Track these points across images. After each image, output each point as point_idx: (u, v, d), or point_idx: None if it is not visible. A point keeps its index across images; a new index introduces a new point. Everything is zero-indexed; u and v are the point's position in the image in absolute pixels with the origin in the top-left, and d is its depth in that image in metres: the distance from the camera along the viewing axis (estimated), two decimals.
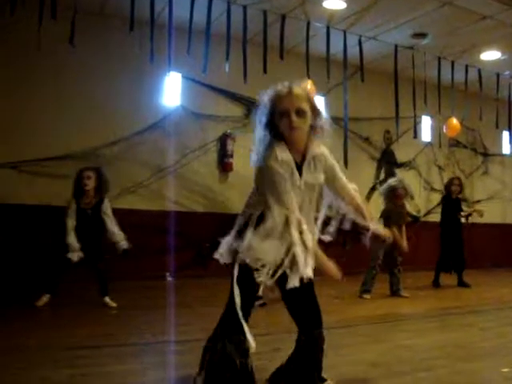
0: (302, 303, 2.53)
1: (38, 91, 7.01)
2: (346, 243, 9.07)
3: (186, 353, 3.42)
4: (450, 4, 7.11)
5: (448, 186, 8.08)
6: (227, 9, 6.88)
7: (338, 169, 2.65)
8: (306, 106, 2.39)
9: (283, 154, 2.38)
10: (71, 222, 5.33)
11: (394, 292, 6.63)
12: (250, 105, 8.14)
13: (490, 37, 8.18)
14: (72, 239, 5.28)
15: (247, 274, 2.36)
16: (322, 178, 2.53)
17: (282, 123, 2.36)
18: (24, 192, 6.78)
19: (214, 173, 8.27)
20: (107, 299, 5.42)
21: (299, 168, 2.44)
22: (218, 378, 2.35)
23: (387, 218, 6.55)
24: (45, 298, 5.25)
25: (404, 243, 6.61)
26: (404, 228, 6.72)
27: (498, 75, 9.55)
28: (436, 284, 7.77)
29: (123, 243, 5.44)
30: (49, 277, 5.33)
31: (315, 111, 2.45)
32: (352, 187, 2.72)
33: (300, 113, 2.36)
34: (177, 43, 6.62)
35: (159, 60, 6.63)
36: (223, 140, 8.22)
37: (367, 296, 6.46)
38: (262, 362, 2.94)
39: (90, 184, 5.36)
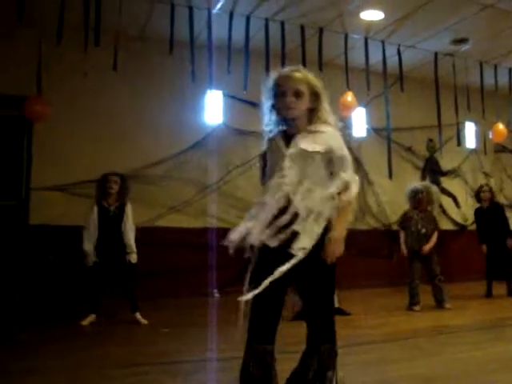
0: (310, 307, 2.45)
1: (84, 115, 7.21)
2: (392, 255, 8.96)
3: (237, 370, 3.41)
4: (490, 7, 6.99)
5: (477, 195, 7.89)
6: (265, 26, 6.96)
7: (342, 158, 2.45)
8: (303, 88, 2.46)
9: (274, 141, 2.52)
10: (89, 230, 5.44)
11: (439, 303, 6.48)
12: None
13: None
14: (88, 246, 5.38)
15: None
16: (318, 147, 2.41)
17: (279, 102, 2.47)
18: (72, 213, 6.94)
19: (258, 188, 8.26)
20: (138, 315, 5.46)
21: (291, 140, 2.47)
22: None
23: (404, 221, 6.66)
24: (90, 318, 5.35)
25: (426, 247, 6.44)
26: (434, 234, 6.54)
27: None
28: (489, 294, 7.52)
29: (132, 256, 5.47)
30: (91, 296, 5.45)
31: (315, 95, 2.49)
32: (346, 180, 2.45)
33: (297, 94, 2.44)
34: (217, 62, 6.73)
35: (200, 79, 6.75)
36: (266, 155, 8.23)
37: (417, 308, 6.34)
38: None
39: (115, 188, 5.53)
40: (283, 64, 7.04)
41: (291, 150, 2.43)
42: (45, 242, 6.84)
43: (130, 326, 5.32)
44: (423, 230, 6.54)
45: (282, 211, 2.37)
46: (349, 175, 2.46)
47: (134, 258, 5.49)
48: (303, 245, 2.33)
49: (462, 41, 8.10)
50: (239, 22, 6.85)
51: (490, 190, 7.84)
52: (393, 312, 6.21)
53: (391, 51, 7.97)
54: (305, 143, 2.42)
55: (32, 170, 7.00)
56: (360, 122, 8.04)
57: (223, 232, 2.62)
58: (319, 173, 2.42)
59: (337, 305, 5.67)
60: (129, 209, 5.60)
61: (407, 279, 6.54)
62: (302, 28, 7.24)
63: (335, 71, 7.92)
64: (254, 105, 8.30)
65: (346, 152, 2.47)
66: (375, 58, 7.81)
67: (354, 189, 2.47)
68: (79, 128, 7.17)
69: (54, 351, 4.14)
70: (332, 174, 2.45)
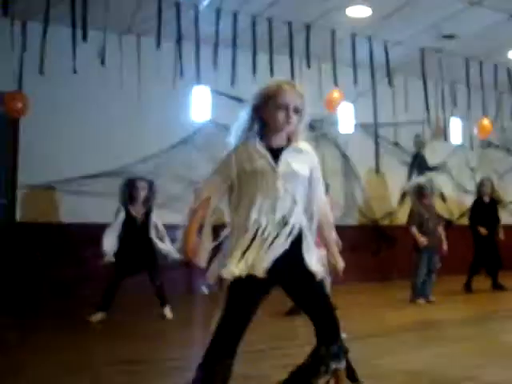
0: (314, 309, 2.41)
1: (73, 111, 7.14)
2: (379, 250, 9.02)
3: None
4: (477, 4, 7.04)
5: (478, 188, 7.99)
6: (252, 22, 6.95)
7: (319, 179, 2.52)
8: (301, 106, 2.42)
9: (254, 147, 2.41)
10: (113, 231, 5.40)
11: (427, 296, 6.54)
12: None
13: None
14: (107, 246, 5.31)
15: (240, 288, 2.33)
16: (307, 170, 2.44)
17: (278, 115, 2.38)
18: (62, 211, 6.94)
19: None
20: (166, 310, 5.51)
21: (276, 156, 2.39)
22: None
23: (420, 218, 6.55)
24: (100, 315, 5.32)
25: (444, 246, 6.59)
26: (441, 229, 6.67)
27: None
28: (468, 288, 7.57)
29: (172, 254, 5.36)
30: (104, 294, 5.40)
31: (302, 112, 2.44)
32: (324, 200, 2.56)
33: (296, 110, 2.40)
34: (204, 58, 6.73)
35: (188, 75, 6.73)
36: None
37: (422, 301, 6.41)
38: None
39: (142, 195, 5.54)
40: (271, 60, 7.06)
41: (282, 169, 2.36)
42: (33, 239, 6.79)
43: (125, 324, 5.31)
44: (432, 226, 6.60)
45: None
46: (325, 198, 2.57)
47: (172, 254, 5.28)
48: (314, 264, 2.38)
49: (449, 37, 8.14)
50: (226, 19, 6.84)
51: (492, 185, 7.96)
52: (380, 307, 6.26)
53: (378, 47, 8.00)
54: (295, 163, 2.39)
55: (18, 167, 6.94)
56: (348, 118, 8.05)
57: (213, 227, 2.59)
58: (303, 193, 2.43)
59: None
60: (153, 217, 5.62)
61: (414, 271, 6.53)
62: (290, 24, 7.24)
63: (322, 67, 7.94)
64: (242, 101, 8.33)
65: (320, 174, 2.53)
66: (362, 53, 7.83)
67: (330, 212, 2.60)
68: (66, 125, 7.10)
69: (54, 347, 4.15)
70: (309, 194, 2.46)
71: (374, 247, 8.95)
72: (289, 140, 2.46)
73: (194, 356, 3.86)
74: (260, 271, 2.28)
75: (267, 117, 2.41)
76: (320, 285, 2.43)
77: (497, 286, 7.59)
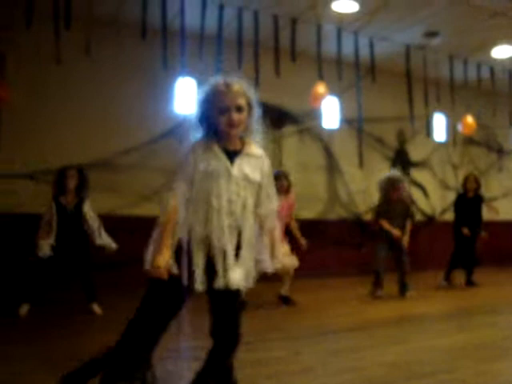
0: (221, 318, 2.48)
1: (55, 101, 7.08)
2: (361, 245, 9.08)
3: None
4: (461, 2, 7.09)
5: (464, 184, 8.00)
6: (238, 14, 6.94)
7: (271, 184, 2.50)
8: (243, 102, 2.35)
9: (211, 149, 2.36)
10: (48, 225, 5.30)
11: (401, 291, 6.58)
12: (263, 108, 8.17)
13: (502, 33, 8.13)
14: (42, 240, 5.22)
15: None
16: (258, 175, 2.42)
17: (222, 120, 2.32)
18: (41, 202, 6.85)
19: None
20: (95, 306, 5.37)
21: (230, 159, 2.36)
22: None
23: (385, 211, 6.55)
24: (25, 307, 5.15)
25: (405, 238, 6.56)
26: (408, 224, 6.66)
27: (510, 72, 9.51)
28: (447, 280, 7.66)
29: (111, 246, 5.39)
30: (31, 285, 5.24)
31: (250, 107, 2.39)
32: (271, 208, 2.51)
33: (239, 109, 2.33)
34: (190, 49, 6.70)
35: (173, 67, 6.71)
36: None
37: (380, 293, 6.45)
38: (281, 366, 2.95)
39: (72, 183, 5.40)
40: (256, 54, 7.05)
41: (236, 173, 2.33)
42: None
43: (81, 318, 5.22)
44: (397, 221, 6.58)
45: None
46: (275, 209, 2.50)
47: (112, 246, 5.38)
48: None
49: (433, 34, 8.20)
50: (212, 10, 6.81)
51: (476, 181, 7.94)
52: (361, 301, 6.29)
53: (364, 42, 8.03)
54: (248, 168, 2.37)
55: None
56: (332, 113, 8.08)
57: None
58: (252, 199, 2.41)
59: (286, 293, 5.77)
60: (86, 207, 5.43)
61: (373, 264, 6.57)
62: (275, 18, 7.23)
63: (308, 61, 7.95)
64: None
65: (272, 179, 2.50)
66: (348, 48, 7.85)
67: (276, 224, 2.55)
68: (50, 115, 7.04)
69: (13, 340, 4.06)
70: (258, 198, 2.44)
71: (357, 242, 9.01)
72: (243, 142, 2.42)
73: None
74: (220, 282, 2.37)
75: (214, 121, 2.36)
76: (235, 298, 2.44)
77: (470, 283, 7.64)
